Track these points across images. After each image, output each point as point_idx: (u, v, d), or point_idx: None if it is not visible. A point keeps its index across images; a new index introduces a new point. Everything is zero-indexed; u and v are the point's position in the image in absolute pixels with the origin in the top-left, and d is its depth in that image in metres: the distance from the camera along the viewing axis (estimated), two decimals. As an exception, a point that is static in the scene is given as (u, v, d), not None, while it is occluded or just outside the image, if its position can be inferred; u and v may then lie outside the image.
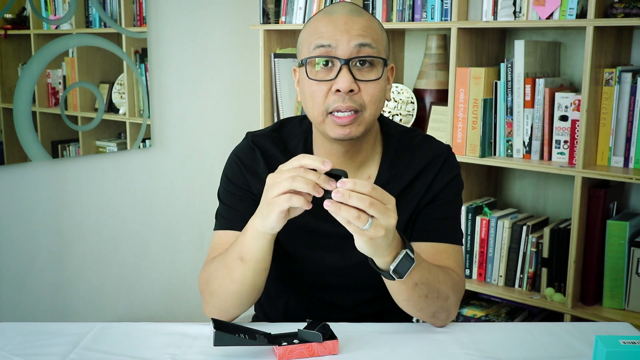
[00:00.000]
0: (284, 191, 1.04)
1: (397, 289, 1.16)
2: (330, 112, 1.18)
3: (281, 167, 1.07)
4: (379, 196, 1.01)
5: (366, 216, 0.99)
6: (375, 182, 1.28)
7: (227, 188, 1.33)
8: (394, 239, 1.07)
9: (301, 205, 1.04)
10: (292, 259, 1.32)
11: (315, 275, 1.32)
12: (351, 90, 1.16)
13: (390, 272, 1.09)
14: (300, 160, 1.04)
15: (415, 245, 1.26)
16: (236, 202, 1.30)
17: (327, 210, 1.00)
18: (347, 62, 1.16)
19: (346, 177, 1.01)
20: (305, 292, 1.36)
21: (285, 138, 1.33)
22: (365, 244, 1.04)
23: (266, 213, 1.08)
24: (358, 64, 1.17)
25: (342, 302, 1.34)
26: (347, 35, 1.16)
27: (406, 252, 1.09)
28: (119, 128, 2.45)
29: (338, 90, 1.16)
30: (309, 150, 1.31)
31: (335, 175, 1.02)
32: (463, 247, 1.38)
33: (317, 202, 1.05)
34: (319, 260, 1.30)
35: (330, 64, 1.17)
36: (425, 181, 1.29)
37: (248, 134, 1.37)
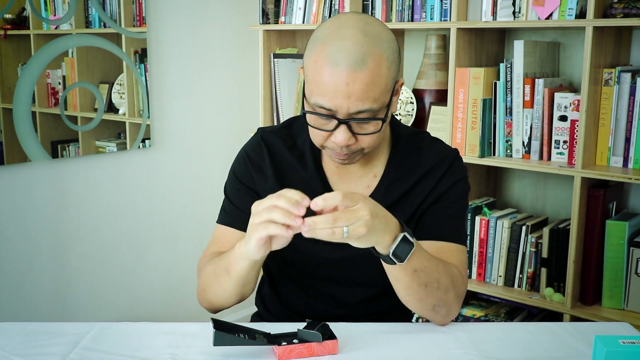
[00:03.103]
0: (263, 221, 1.07)
1: (397, 275, 1.17)
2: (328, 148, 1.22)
3: (269, 196, 1.09)
4: (348, 202, 1.04)
5: (340, 229, 1.03)
6: (381, 181, 1.31)
7: (233, 184, 1.36)
8: (388, 225, 1.10)
9: (280, 233, 1.07)
10: (290, 248, 1.34)
11: (312, 266, 1.34)
12: (349, 144, 1.18)
13: (390, 255, 1.11)
14: (285, 194, 1.07)
15: (422, 244, 1.27)
16: (239, 200, 1.33)
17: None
18: (345, 122, 1.16)
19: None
20: (305, 285, 1.37)
21: (294, 134, 1.35)
22: (358, 243, 1.08)
23: (248, 239, 1.12)
24: (357, 121, 1.17)
25: (342, 297, 1.35)
26: (347, 102, 1.13)
27: (404, 235, 1.11)
28: (119, 128, 2.45)
29: None
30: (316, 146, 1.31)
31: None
32: (467, 248, 1.39)
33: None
34: (313, 250, 1.30)
35: (329, 118, 1.17)
36: (429, 183, 1.30)
37: (259, 129, 1.39)
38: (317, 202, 1.04)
